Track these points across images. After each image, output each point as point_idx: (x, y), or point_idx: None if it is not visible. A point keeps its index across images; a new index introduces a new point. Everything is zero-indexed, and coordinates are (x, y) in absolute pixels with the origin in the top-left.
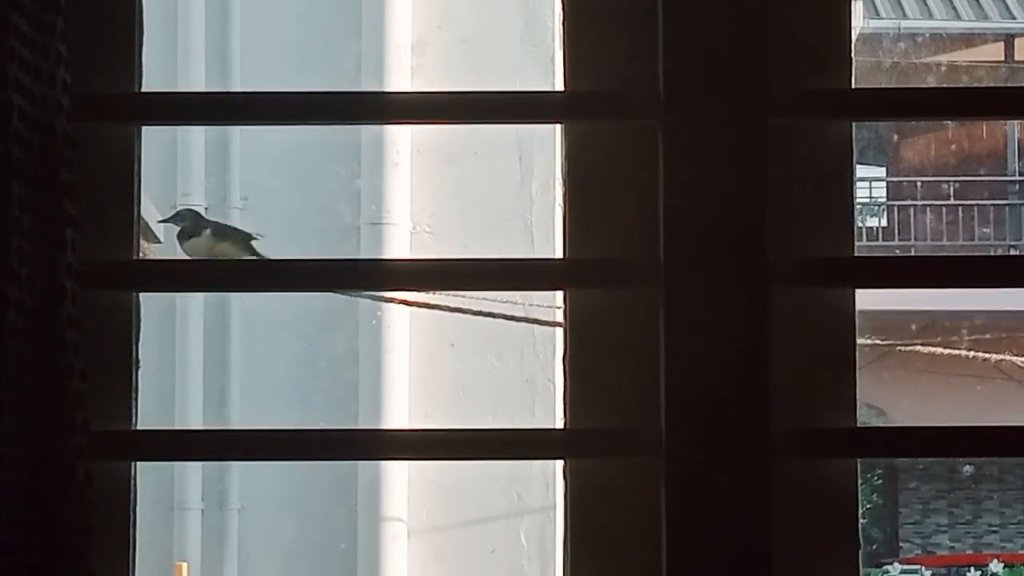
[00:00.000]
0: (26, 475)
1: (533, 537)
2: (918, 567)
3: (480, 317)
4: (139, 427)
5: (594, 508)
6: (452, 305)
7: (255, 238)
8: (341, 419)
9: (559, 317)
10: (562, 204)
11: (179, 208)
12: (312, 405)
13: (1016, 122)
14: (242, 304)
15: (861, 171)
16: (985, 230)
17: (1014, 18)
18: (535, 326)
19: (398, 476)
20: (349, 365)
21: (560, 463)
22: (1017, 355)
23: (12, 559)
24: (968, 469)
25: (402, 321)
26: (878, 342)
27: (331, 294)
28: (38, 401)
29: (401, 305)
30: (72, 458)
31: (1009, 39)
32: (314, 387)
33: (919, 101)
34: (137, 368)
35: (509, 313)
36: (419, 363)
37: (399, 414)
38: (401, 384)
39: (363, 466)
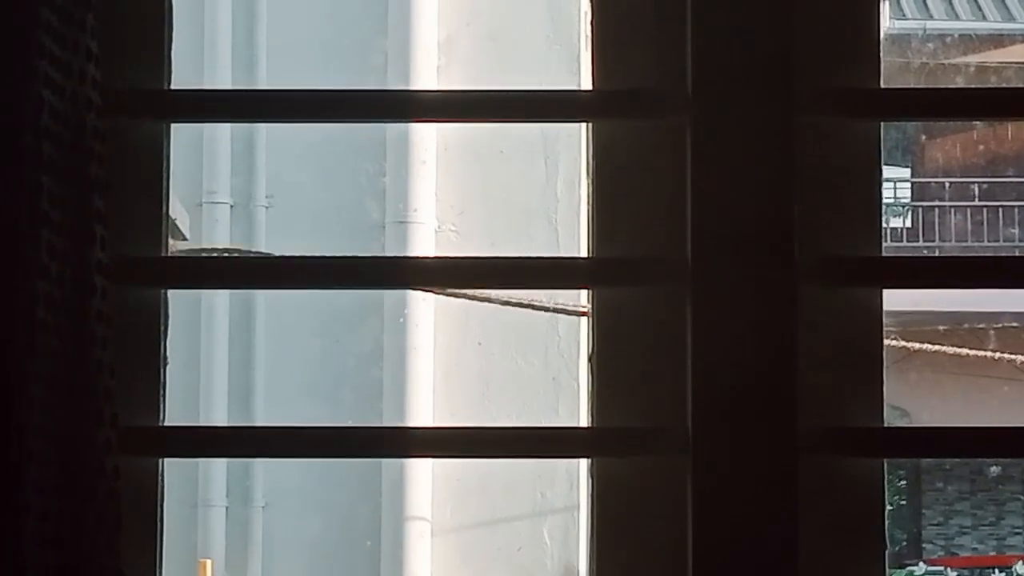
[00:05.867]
0: (56, 470)
1: (557, 536)
2: (943, 568)
3: (506, 317)
4: (166, 424)
5: (620, 506)
6: (480, 296)
7: None
8: (366, 417)
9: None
10: (588, 203)
11: None
12: (337, 402)
13: None
14: (267, 301)
15: (885, 172)
16: (1012, 231)
17: None
18: (560, 326)
19: (422, 474)
20: (374, 363)
21: (585, 462)
22: None
23: (43, 554)
24: (995, 470)
25: (428, 319)
26: (904, 343)
27: (357, 292)
28: (68, 396)
29: (427, 302)
30: (101, 453)
31: None
32: (339, 384)
33: (948, 101)
34: (165, 364)
35: (538, 303)
36: (444, 361)
37: (424, 412)
38: (426, 382)
39: (387, 464)
